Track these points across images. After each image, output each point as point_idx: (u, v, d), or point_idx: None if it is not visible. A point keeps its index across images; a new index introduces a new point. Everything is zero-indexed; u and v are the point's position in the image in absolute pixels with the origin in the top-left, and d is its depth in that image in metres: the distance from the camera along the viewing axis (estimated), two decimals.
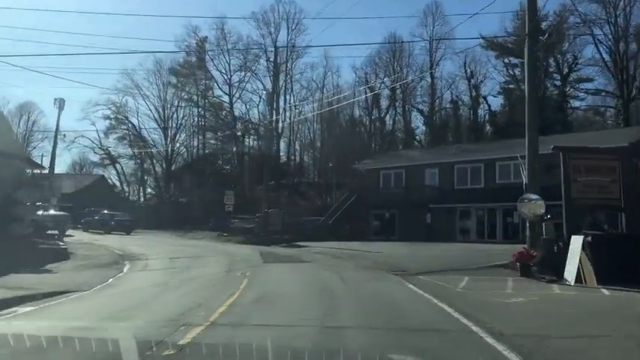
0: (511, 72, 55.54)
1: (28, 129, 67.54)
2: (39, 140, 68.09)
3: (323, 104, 61.95)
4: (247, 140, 63.62)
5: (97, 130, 63.69)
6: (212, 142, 65.97)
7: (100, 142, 64.55)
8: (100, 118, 63.15)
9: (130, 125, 64.90)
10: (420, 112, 59.81)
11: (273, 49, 53.71)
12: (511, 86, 55.12)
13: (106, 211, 37.78)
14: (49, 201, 43.83)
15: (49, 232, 33.15)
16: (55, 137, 51.01)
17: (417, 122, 62.32)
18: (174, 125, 64.32)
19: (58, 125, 51.00)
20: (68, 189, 55.00)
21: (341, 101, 62.70)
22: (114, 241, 28.31)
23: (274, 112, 59.85)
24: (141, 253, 21.82)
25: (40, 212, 34.28)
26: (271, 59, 34.87)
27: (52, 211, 35.74)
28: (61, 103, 50.04)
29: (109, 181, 67.84)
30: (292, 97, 60.69)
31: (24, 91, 78.98)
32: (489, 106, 56.17)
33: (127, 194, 68.45)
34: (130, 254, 21.36)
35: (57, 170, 63.08)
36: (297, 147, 65.73)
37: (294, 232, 34.17)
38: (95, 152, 65.17)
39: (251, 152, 62.26)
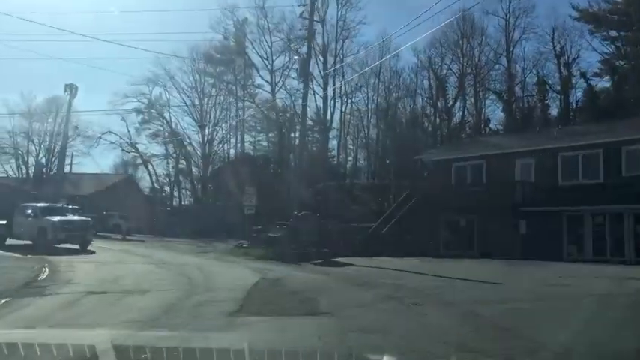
0: (617, 44, 44.74)
1: (57, 125, 61.93)
2: (70, 138, 62.43)
3: (379, 92, 53.88)
4: (293, 137, 55.48)
5: (126, 124, 57.34)
6: (253, 139, 58.99)
7: (130, 138, 58.08)
8: (132, 113, 56.73)
9: (163, 121, 58.33)
10: (498, 95, 49.66)
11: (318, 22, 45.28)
12: (621, 62, 44.13)
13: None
14: (59, 202, 37.03)
15: (63, 245, 25.13)
16: (66, 128, 44.66)
17: (492, 112, 52.33)
18: (211, 120, 57.37)
19: (68, 116, 44.52)
20: (86, 190, 48.59)
21: (400, 88, 54.42)
22: (77, 255, 20.37)
23: (324, 104, 52.05)
24: (68, 278, 13.62)
25: (56, 218, 26.53)
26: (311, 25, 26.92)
27: (75, 217, 28.03)
28: (72, 90, 43.57)
29: (144, 182, 61.26)
30: (344, 85, 52.18)
31: (52, 84, 75.00)
32: (590, 84, 45.22)
33: (161, 197, 61.59)
34: (47, 281, 13.23)
35: (92, 172, 57.72)
36: (351, 144, 57.43)
37: (336, 243, 25.54)
38: (124, 150, 58.64)
39: (297, 151, 54.04)
